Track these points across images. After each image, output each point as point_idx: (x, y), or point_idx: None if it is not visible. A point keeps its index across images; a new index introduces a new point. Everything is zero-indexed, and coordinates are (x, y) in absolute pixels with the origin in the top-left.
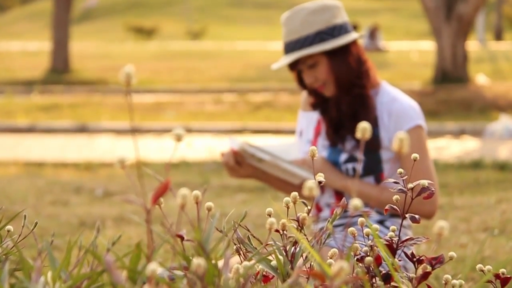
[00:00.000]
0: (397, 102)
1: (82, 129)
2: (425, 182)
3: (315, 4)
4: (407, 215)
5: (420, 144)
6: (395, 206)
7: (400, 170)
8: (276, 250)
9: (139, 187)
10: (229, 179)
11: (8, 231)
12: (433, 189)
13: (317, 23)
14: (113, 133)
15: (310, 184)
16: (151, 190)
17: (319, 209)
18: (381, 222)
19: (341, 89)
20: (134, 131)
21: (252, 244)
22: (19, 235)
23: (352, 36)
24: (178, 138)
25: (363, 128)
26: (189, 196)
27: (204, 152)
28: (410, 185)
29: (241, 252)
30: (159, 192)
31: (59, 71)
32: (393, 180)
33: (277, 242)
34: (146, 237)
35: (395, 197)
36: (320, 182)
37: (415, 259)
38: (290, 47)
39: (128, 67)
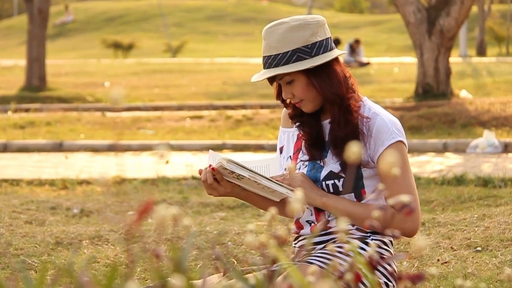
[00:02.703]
0: (378, 117)
1: (58, 147)
2: (405, 198)
3: (296, 20)
4: (388, 232)
5: (401, 161)
6: (376, 223)
7: (381, 187)
8: (255, 269)
9: (117, 206)
10: (209, 197)
11: None
12: (413, 205)
13: (295, 40)
14: (89, 151)
15: (296, 206)
16: (129, 208)
17: (299, 227)
18: (362, 239)
19: (325, 105)
20: (116, 149)
21: (230, 262)
22: None
23: (331, 54)
24: (162, 156)
25: (354, 152)
26: (167, 214)
27: (183, 169)
28: (391, 201)
29: (219, 271)
30: (143, 211)
31: (35, 88)
32: (374, 198)
33: (255, 260)
34: (123, 256)
35: (377, 214)
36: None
37: (396, 276)
38: (267, 63)
39: (117, 88)
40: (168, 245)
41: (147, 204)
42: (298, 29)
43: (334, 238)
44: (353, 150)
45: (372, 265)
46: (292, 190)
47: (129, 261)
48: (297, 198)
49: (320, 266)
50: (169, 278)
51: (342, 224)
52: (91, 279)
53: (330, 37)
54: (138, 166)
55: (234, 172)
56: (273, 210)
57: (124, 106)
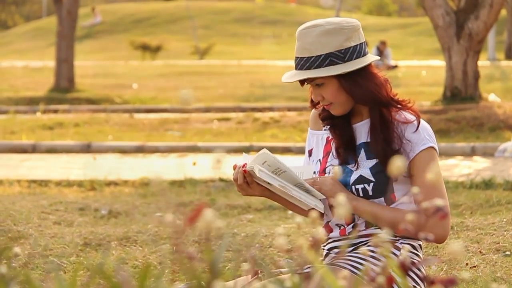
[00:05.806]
0: (409, 123)
1: (86, 148)
2: (439, 202)
3: (331, 24)
4: (422, 236)
5: (432, 167)
6: (410, 227)
7: (415, 191)
8: (283, 271)
9: (144, 207)
10: (236, 199)
11: (16, 254)
12: (446, 210)
13: (329, 45)
14: (117, 152)
15: (341, 211)
16: (157, 210)
17: (329, 230)
18: (391, 243)
19: (356, 108)
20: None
21: (262, 264)
22: (25, 256)
23: (364, 60)
24: (218, 163)
25: (397, 167)
26: (213, 220)
27: (210, 171)
28: (426, 204)
29: (250, 272)
30: (197, 213)
31: (64, 90)
32: (406, 202)
33: (285, 263)
34: (151, 258)
35: (411, 217)
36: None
37: (427, 280)
38: (299, 64)
39: (186, 89)
40: (198, 247)
41: (200, 207)
42: (332, 33)
43: (363, 242)
44: (397, 164)
45: (404, 269)
46: (320, 200)
47: (177, 263)
48: (341, 203)
49: (351, 271)
50: (203, 281)
51: (384, 231)
52: (128, 277)
53: (365, 42)
54: (166, 168)
55: (264, 180)
56: (314, 214)
57: (193, 106)
